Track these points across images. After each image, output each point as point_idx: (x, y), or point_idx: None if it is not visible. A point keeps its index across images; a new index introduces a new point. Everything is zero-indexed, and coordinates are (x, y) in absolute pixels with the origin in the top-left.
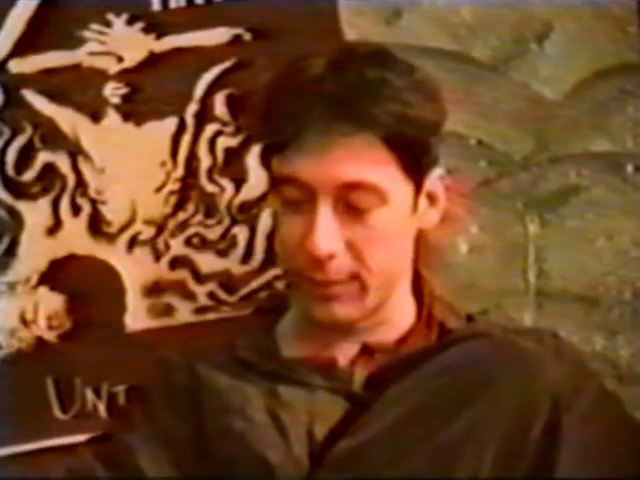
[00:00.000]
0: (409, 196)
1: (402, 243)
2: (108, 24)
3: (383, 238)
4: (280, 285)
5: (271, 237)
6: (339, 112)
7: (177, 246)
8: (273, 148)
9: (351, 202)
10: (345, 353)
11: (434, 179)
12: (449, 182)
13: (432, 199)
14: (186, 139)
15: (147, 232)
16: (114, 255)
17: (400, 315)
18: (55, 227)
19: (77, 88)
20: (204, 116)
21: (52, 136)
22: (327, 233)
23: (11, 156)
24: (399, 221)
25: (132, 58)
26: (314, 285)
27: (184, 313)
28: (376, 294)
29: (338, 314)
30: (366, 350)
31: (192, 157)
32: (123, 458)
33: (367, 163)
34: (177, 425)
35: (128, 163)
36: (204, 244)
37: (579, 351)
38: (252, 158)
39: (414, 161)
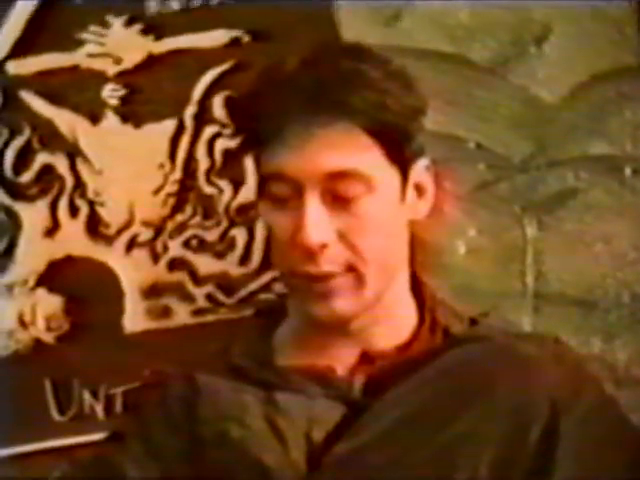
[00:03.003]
0: (396, 184)
1: (394, 232)
2: (106, 26)
3: (374, 226)
4: (278, 287)
5: (269, 239)
6: (316, 105)
7: (175, 248)
8: (258, 147)
9: (338, 192)
10: (344, 361)
11: (420, 170)
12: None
13: (420, 190)
14: (184, 141)
15: (145, 234)
16: (112, 257)
17: (399, 314)
18: (53, 228)
19: (75, 90)
20: (202, 118)
21: (50, 137)
22: (317, 223)
23: (9, 157)
24: (388, 209)
25: (130, 60)
26: (310, 281)
27: (182, 315)
28: (373, 285)
29: (337, 309)
30: (366, 358)
31: (190, 159)
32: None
33: (348, 151)
34: (171, 439)
35: (126, 165)
36: (202, 246)
37: (580, 356)
38: (250, 160)
39: (396, 147)
